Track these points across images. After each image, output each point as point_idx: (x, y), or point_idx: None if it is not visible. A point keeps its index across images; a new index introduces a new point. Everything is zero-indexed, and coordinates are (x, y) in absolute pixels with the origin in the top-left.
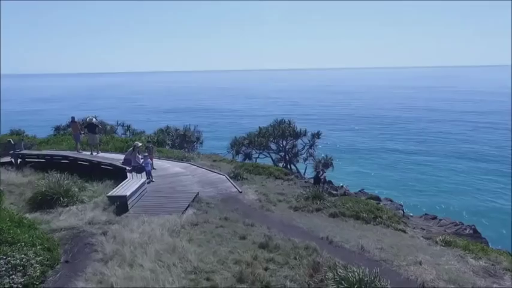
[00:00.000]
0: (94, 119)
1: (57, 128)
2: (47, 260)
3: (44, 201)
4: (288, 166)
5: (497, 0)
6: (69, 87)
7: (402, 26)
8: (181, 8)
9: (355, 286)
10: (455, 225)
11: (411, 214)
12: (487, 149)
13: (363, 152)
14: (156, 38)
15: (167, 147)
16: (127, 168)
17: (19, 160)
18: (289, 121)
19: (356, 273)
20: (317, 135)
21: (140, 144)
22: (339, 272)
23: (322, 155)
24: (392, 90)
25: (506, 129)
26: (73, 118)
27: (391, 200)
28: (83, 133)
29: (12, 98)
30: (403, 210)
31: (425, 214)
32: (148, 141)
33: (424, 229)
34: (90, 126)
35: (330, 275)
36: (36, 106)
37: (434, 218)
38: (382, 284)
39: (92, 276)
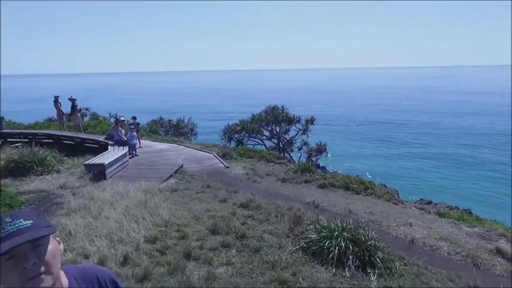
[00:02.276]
0: (75, 101)
1: (50, 120)
2: None
3: (16, 169)
4: (282, 154)
5: (497, 0)
6: (67, 87)
7: (401, 26)
8: (181, 8)
9: (336, 232)
10: (450, 209)
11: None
12: (487, 145)
13: (361, 150)
14: (155, 38)
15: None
16: (109, 142)
17: (0, 140)
18: (282, 107)
19: (339, 222)
20: (311, 121)
21: (123, 118)
22: (321, 222)
23: (317, 142)
24: (393, 90)
25: (506, 127)
26: (56, 98)
27: (385, 186)
28: (67, 114)
29: (8, 98)
30: (397, 194)
31: (421, 199)
32: (133, 117)
33: None
34: (72, 107)
35: (311, 226)
36: (30, 106)
37: (430, 202)
38: (366, 232)
39: None
